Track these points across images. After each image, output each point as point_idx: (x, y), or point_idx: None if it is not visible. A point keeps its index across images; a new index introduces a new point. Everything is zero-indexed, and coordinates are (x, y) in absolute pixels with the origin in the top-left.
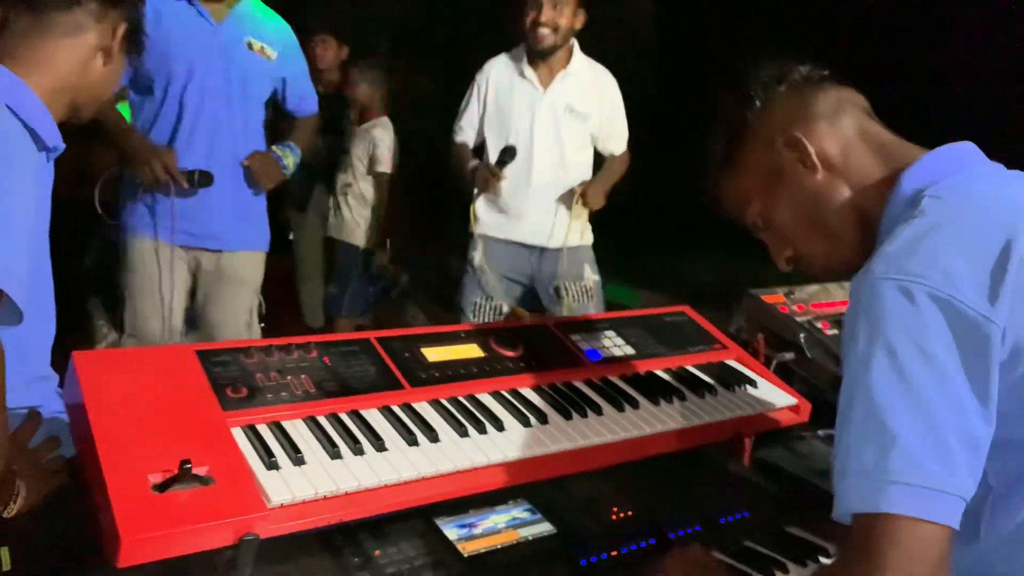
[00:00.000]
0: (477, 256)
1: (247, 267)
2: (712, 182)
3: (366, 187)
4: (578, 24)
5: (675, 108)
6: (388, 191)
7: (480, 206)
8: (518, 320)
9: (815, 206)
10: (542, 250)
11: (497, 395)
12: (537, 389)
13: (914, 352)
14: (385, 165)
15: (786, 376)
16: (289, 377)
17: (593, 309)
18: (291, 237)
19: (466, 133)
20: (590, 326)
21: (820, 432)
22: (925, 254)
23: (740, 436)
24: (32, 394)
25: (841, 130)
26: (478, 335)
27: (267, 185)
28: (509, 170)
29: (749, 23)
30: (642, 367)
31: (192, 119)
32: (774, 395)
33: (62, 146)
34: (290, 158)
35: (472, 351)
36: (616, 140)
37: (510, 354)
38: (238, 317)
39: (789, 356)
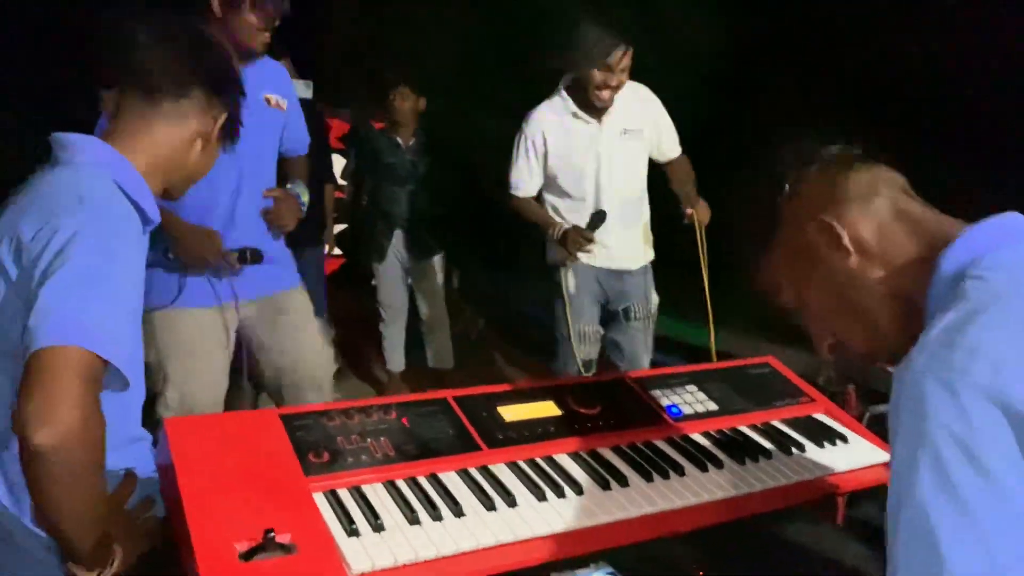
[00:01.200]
0: (572, 284)
1: (298, 301)
2: (750, 264)
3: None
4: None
5: (735, 123)
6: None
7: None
8: None
9: (851, 292)
10: (621, 273)
11: (575, 456)
12: (616, 449)
13: (962, 460)
14: None
15: (880, 430)
16: (369, 440)
17: (650, 333)
18: (373, 283)
19: (527, 187)
20: (670, 380)
21: None
22: (968, 344)
23: (833, 495)
24: (128, 455)
25: (875, 212)
26: (555, 392)
27: (290, 225)
28: (582, 203)
29: (801, 54)
30: (725, 423)
31: (222, 180)
32: (867, 451)
33: (159, 219)
34: (305, 194)
35: (549, 409)
36: (670, 143)
37: (588, 412)
38: (313, 342)
39: (882, 409)
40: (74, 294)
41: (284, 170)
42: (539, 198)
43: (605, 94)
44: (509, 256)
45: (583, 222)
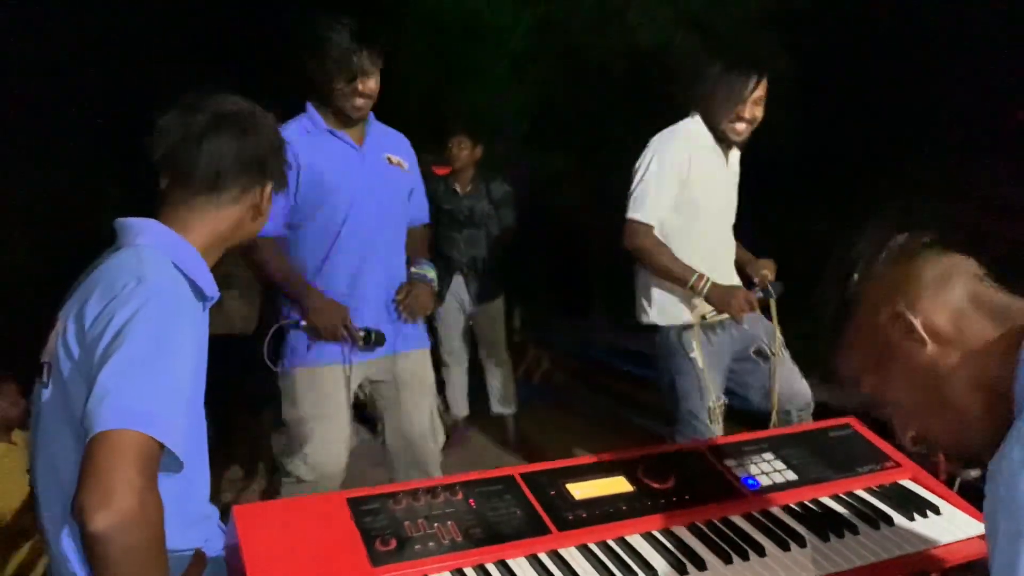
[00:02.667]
0: (699, 357)
1: (419, 366)
2: (827, 354)
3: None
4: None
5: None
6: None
7: (670, 290)
8: None
9: (931, 383)
10: (733, 322)
11: (649, 537)
12: (692, 527)
13: None
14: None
15: (973, 498)
16: (436, 525)
17: (792, 361)
18: (435, 324)
19: (657, 213)
20: (746, 449)
21: None
22: None
23: (925, 573)
24: (196, 533)
25: (950, 299)
26: (625, 465)
27: (428, 308)
28: (702, 236)
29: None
30: (807, 495)
31: (350, 239)
32: (961, 522)
33: (218, 295)
34: (431, 272)
35: (619, 485)
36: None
37: (660, 487)
38: (426, 423)
39: (975, 474)
40: (131, 377)
41: (408, 243)
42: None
43: (740, 127)
44: (573, 297)
45: (710, 262)
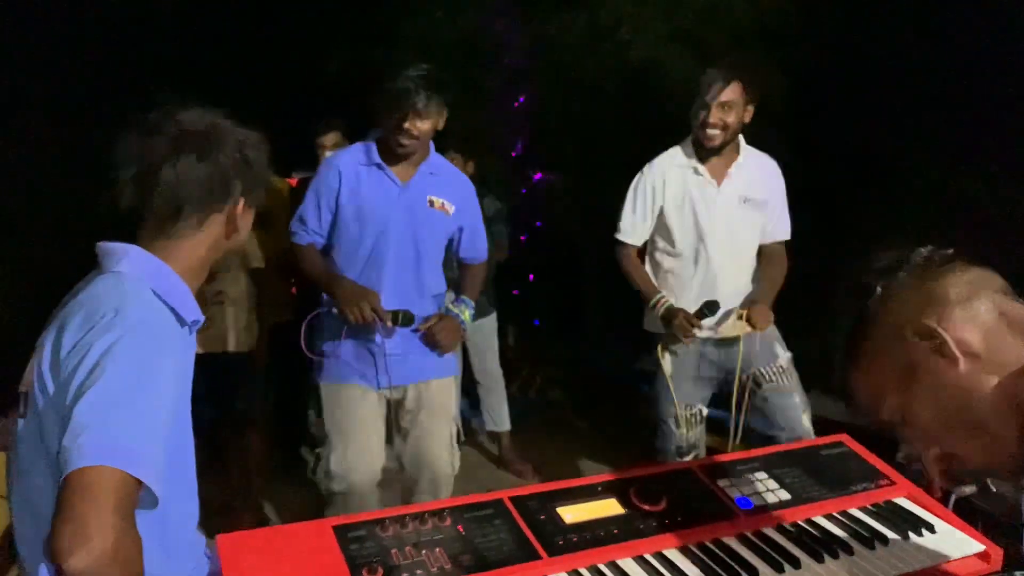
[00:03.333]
0: (667, 365)
1: (442, 393)
2: (843, 378)
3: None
4: (747, 118)
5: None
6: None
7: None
8: None
9: (961, 401)
10: (731, 341)
11: (640, 560)
12: (684, 550)
13: None
14: None
15: (968, 515)
16: (424, 552)
17: (795, 388)
18: None
19: (637, 234)
20: (739, 468)
21: (1018, 573)
22: None
23: None
24: (178, 566)
25: (978, 315)
26: (616, 487)
27: (449, 348)
28: (687, 262)
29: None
30: (800, 514)
31: (379, 270)
32: (957, 541)
33: (202, 319)
34: (466, 313)
35: (611, 508)
36: (783, 228)
37: (652, 508)
38: (443, 448)
39: (970, 490)
40: (108, 412)
41: (460, 278)
42: (642, 253)
43: (711, 132)
44: (570, 313)
45: (692, 284)
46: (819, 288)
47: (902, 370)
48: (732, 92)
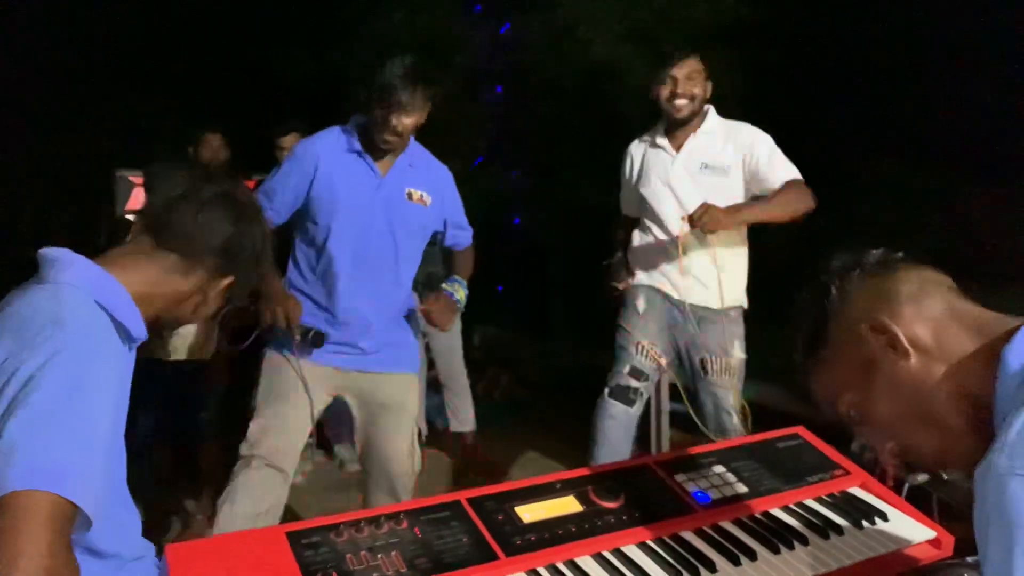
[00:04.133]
0: (641, 302)
1: (404, 389)
2: (801, 373)
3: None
4: (708, 92)
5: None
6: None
7: (635, 263)
8: None
9: (915, 395)
10: (696, 314)
11: (599, 557)
12: (642, 546)
13: None
14: None
15: (921, 502)
16: (380, 556)
17: (732, 387)
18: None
19: (624, 206)
20: (696, 462)
21: (969, 559)
22: None
23: None
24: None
25: (928, 311)
26: (575, 485)
27: (446, 326)
28: (651, 234)
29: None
30: (757, 507)
31: (351, 263)
32: (909, 528)
33: (146, 336)
34: (460, 292)
35: (569, 505)
36: (775, 175)
37: (610, 505)
38: (402, 446)
39: (922, 478)
40: (40, 432)
41: (450, 263)
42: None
43: (679, 103)
44: (535, 311)
45: (659, 250)
46: (782, 287)
47: (858, 366)
48: (692, 64)
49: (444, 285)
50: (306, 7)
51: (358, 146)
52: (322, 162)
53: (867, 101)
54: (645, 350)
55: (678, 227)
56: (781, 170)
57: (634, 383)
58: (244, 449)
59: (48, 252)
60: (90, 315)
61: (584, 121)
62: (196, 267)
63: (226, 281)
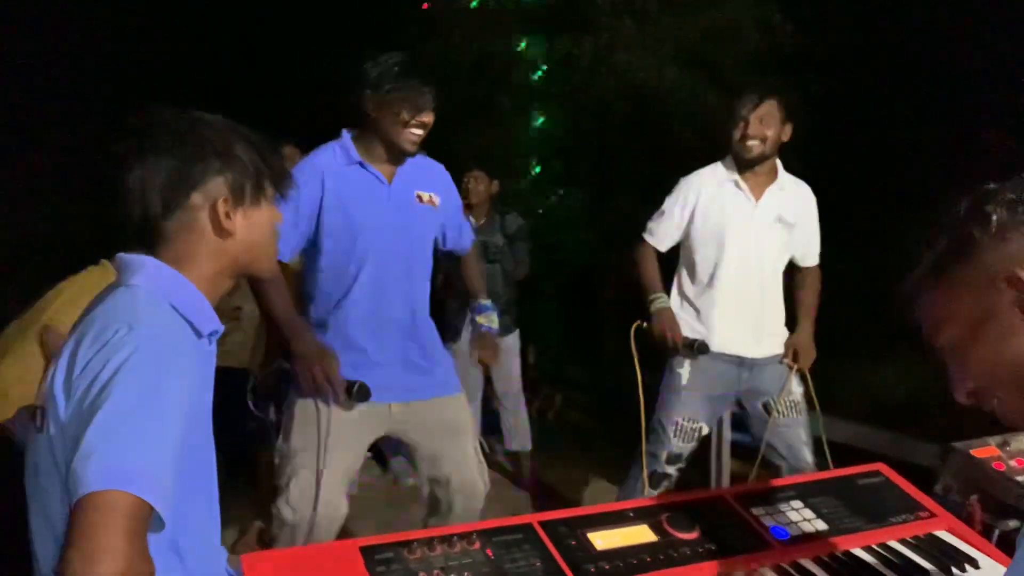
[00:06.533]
0: (685, 374)
1: (456, 410)
2: (915, 285)
3: None
4: (785, 136)
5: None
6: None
7: (681, 319)
8: None
9: (1020, 357)
10: (751, 364)
11: None
12: None
13: None
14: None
15: (1013, 550)
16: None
17: (803, 424)
18: None
19: (659, 238)
20: (773, 496)
21: None
22: None
23: None
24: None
25: None
26: (648, 514)
27: (494, 360)
28: (710, 276)
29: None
30: (838, 546)
31: (370, 280)
32: None
33: (221, 328)
34: (493, 319)
35: (643, 534)
36: (813, 253)
37: (686, 536)
38: (472, 467)
39: (1014, 524)
40: (117, 434)
41: (462, 274)
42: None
43: (750, 143)
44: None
45: (714, 301)
46: (844, 316)
47: (977, 308)
48: (769, 107)
49: (478, 319)
50: (364, 30)
51: (357, 156)
52: (327, 180)
53: (925, 128)
54: (684, 429)
55: (752, 277)
56: (815, 246)
57: (670, 469)
58: (288, 514)
59: (123, 257)
60: (164, 318)
61: (637, 143)
62: (178, 214)
63: (222, 199)
